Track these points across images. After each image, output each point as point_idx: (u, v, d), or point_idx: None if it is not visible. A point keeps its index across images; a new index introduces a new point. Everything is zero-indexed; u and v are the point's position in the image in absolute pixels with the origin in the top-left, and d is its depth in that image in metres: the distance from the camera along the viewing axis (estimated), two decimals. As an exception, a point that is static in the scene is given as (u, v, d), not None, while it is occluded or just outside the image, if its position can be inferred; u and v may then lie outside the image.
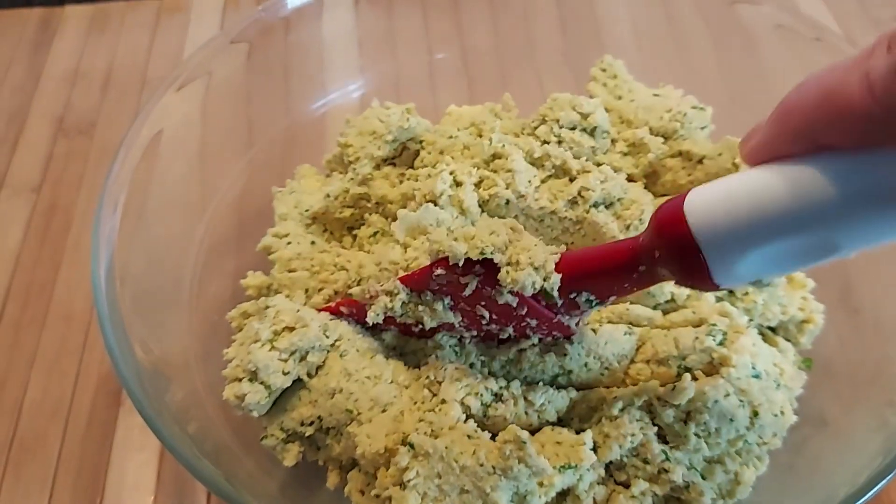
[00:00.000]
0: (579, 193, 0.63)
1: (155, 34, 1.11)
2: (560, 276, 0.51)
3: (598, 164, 0.67)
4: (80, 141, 0.96)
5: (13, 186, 0.92)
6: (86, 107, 1.01)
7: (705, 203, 0.44)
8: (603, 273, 0.51)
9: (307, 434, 0.58)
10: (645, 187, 0.68)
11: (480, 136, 0.72)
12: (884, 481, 0.47)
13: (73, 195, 0.91)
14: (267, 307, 0.59)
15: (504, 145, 0.66)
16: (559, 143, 0.68)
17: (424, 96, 0.91)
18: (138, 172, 0.67)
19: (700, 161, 0.67)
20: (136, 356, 0.57)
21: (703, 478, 0.54)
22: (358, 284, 0.62)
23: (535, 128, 0.70)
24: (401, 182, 0.70)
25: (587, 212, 0.63)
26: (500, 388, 0.56)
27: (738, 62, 0.84)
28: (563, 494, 0.55)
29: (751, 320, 0.61)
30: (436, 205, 0.63)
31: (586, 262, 0.52)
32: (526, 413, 0.55)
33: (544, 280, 0.51)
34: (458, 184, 0.64)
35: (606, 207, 0.63)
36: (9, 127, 0.98)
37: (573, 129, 0.69)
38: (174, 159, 0.73)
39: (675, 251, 0.45)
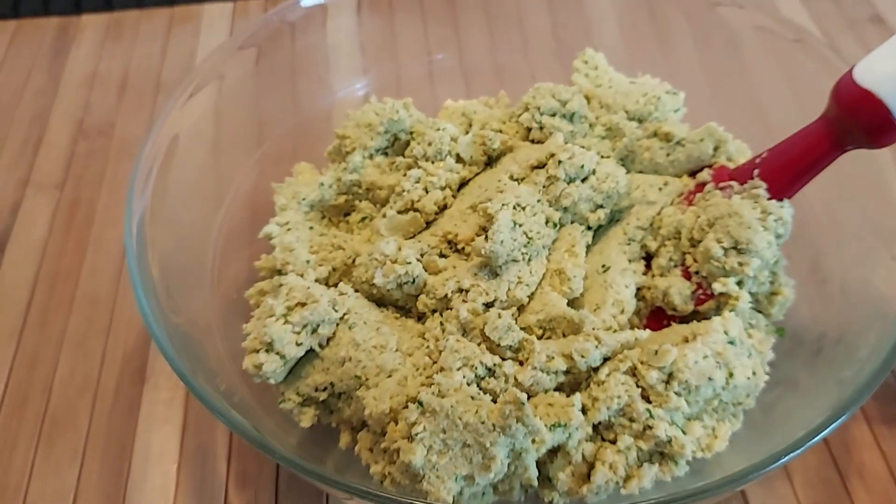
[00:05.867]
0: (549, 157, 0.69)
1: (168, 41, 1.16)
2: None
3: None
4: (100, 141, 1.02)
5: (38, 184, 0.97)
6: (104, 109, 1.06)
7: (882, 70, 0.57)
8: (807, 169, 0.64)
9: (321, 399, 0.63)
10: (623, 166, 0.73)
11: (471, 125, 0.78)
12: (834, 424, 0.53)
13: (94, 191, 0.96)
14: (280, 285, 0.65)
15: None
16: (541, 128, 0.74)
17: (424, 94, 0.96)
18: (161, 169, 0.72)
19: (679, 143, 0.73)
20: (167, 318, 0.62)
21: (684, 433, 0.59)
22: (353, 264, 0.68)
23: (519, 115, 0.76)
24: (391, 170, 0.76)
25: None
26: (495, 364, 0.60)
27: (719, 60, 0.89)
28: (555, 450, 0.59)
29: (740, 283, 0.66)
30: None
31: (788, 167, 0.64)
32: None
33: None
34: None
35: (582, 181, 0.69)
36: (32, 129, 1.04)
37: (553, 115, 0.75)
38: (192, 156, 0.78)
39: (867, 120, 0.58)
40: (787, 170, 0.65)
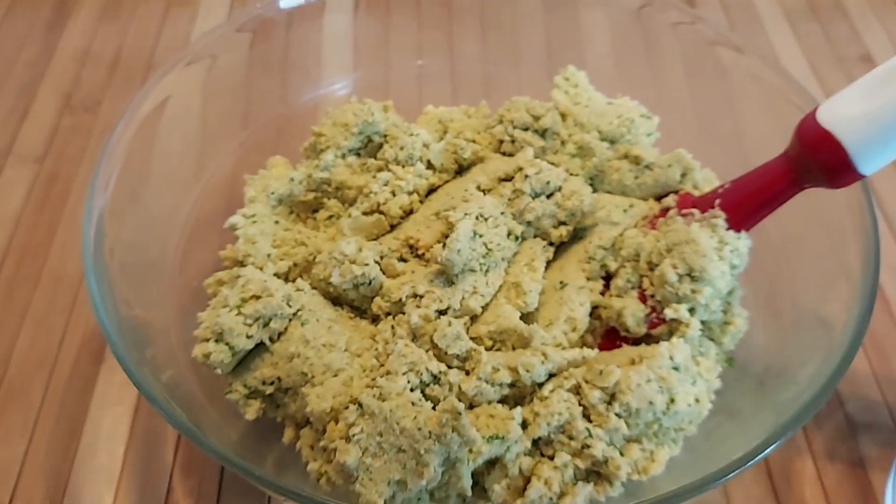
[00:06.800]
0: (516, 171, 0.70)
1: (164, 24, 1.17)
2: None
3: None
4: (86, 117, 1.03)
5: (18, 155, 0.98)
6: (93, 86, 1.07)
7: (843, 112, 0.57)
8: (766, 203, 0.65)
9: (267, 392, 0.63)
10: (591, 186, 0.74)
11: (446, 132, 0.78)
12: (765, 451, 0.53)
13: (74, 167, 0.97)
14: (238, 276, 0.65)
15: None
16: (512, 141, 0.75)
17: (411, 97, 0.96)
18: (137, 141, 0.73)
19: (648, 167, 0.73)
20: (119, 309, 0.62)
21: (622, 454, 0.59)
22: (314, 261, 0.69)
23: (493, 127, 0.77)
24: (361, 171, 0.76)
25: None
26: (441, 372, 0.61)
27: (707, 92, 0.89)
28: (492, 462, 0.60)
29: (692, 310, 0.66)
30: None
31: (748, 199, 0.65)
32: (458, 399, 0.60)
33: None
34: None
35: (548, 197, 0.69)
36: (19, 100, 1.05)
37: (526, 129, 0.75)
38: (172, 134, 0.79)
39: (825, 161, 0.58)
40: (747, 202, 0.66)
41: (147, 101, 0.75)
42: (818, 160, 0.59)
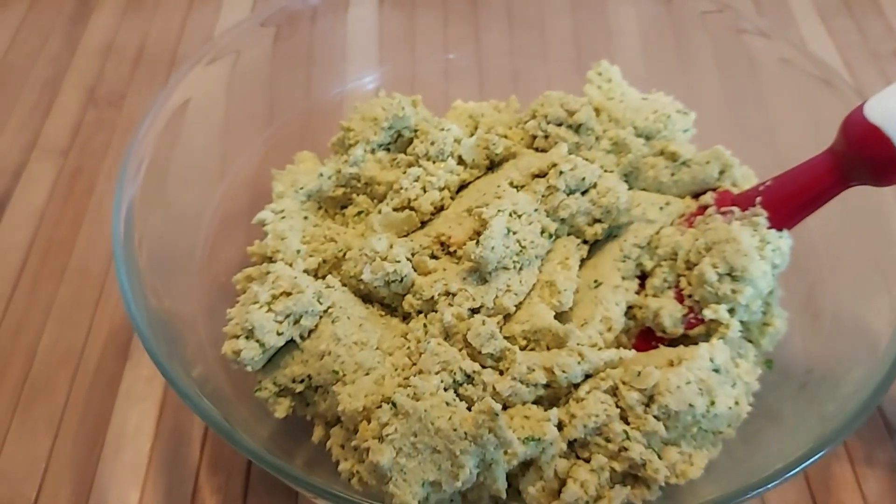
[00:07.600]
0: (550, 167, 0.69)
1: (188, 17, 1.16)
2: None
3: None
4: (110, 111, 1.02)
5: (43, 149, 0.97)
6: (117, 80, 1.06)
7: (890, 105, 0.56)
8: (810, 202, 0.63)
9: (297, 390, 0.62)
10: (626, 183, 0.72)
11: (476, 127, 0.77)
12: (811, 460, 0.52)
13: (98, 161, 0.96)
14: (268, 272, 0.64)
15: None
16: (546, 136, 0.73)
17: (437, 92, 0.95)
18: (164, 137, 0.72)
19: (685, 164, 0.72)
20: (148, 303, 0.62)
21: (660, 457, 0.58)
22: (344, 257, 0.68)
23: (526, 122, 0.75)
24: (391, 166, 0.75)
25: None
26: (474, 371, 0.59)
27: (739, 84, 0.88)
28: (528, 464, 0.58)
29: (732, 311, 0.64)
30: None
31: (791, 197, 0.64)
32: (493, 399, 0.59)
33: None
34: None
35: (582, 194, 0.68)
36: (42, 94, 1.04)
37: (560, 124, 0.74)
38: (197, 130, 0.78)
39: (873, 157, 0.57)
40: (790, 200, 0.64)
41: (171, 99, 0.74)
42: (865, 156, 0.58)
